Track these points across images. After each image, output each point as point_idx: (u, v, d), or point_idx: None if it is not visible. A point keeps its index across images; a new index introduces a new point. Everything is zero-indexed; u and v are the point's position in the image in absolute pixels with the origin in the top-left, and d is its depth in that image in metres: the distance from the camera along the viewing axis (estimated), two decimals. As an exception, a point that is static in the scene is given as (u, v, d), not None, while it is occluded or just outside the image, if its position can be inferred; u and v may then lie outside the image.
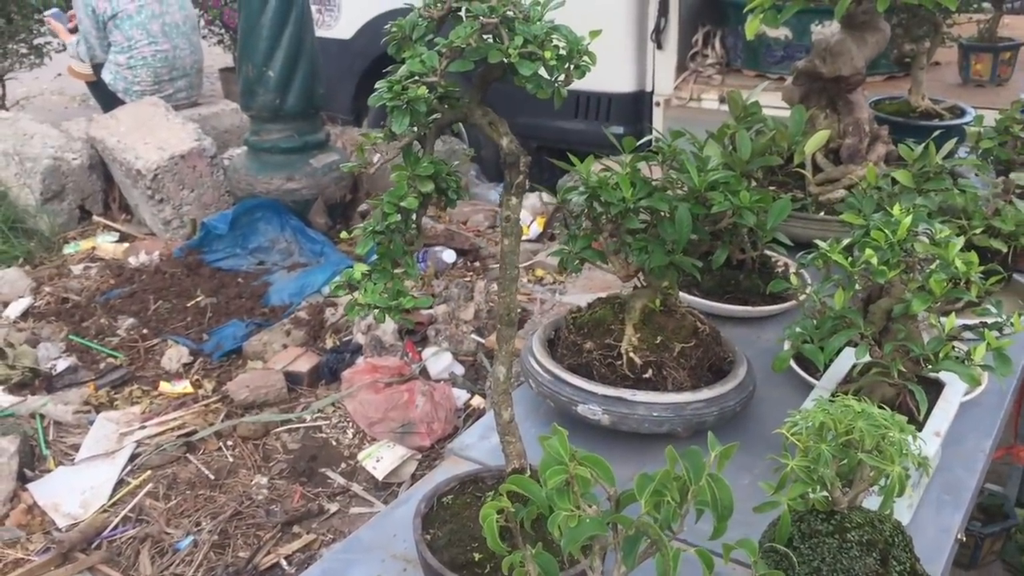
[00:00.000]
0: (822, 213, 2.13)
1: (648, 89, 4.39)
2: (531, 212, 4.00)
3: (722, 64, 4.34)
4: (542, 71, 1.02)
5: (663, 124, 4.38)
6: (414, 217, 1.11)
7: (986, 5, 3.90)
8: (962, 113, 2.52)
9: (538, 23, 1.00)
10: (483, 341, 3.16)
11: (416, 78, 1.00)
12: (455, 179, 1.13)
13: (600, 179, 1.45)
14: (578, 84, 1.09)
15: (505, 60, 0.99)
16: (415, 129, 1.06)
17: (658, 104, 4.37)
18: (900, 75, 3.89)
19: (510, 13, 0.99)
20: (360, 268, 1.12)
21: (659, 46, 4.27)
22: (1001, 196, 1.81)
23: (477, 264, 3.77)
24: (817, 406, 0.99)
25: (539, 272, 3.62)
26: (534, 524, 0.88)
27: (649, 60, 4.33)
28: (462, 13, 1.04)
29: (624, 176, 1.46)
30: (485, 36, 1.00)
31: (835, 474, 0.95)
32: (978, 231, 1.70)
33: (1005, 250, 1.70)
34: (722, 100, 4.20)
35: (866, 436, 0.92)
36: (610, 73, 4.33)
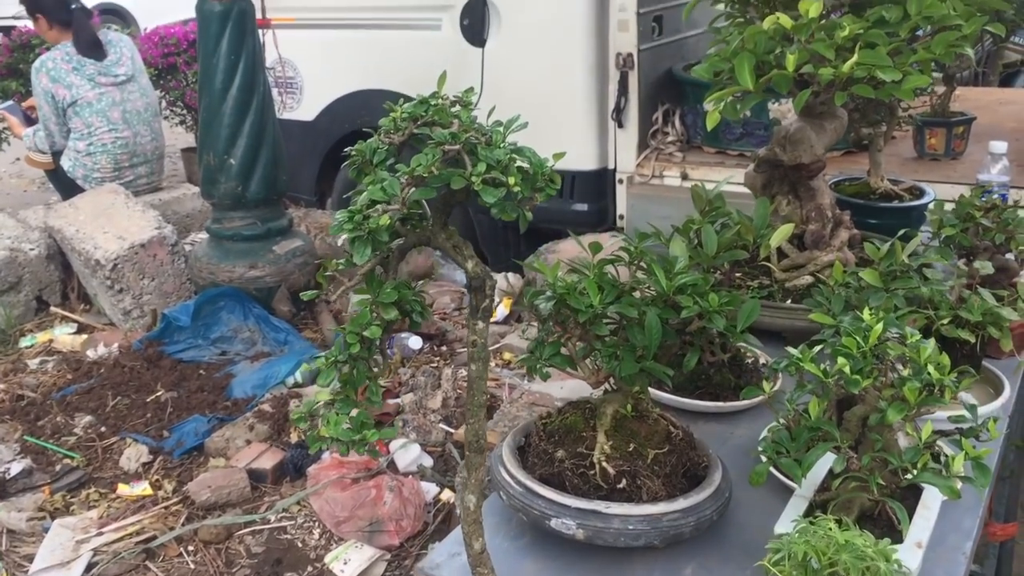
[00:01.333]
0: (789, 301, 2.13)
1: (611, 166, 4.43)
2: (498, 294, 3.98)
3: (682, 141, 4.39)
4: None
5: (626, 201, 4.41)
6: (377, 343, 1.07)
7: (936, 75, 3.99)
8: (921, 194, 2.56)
9: (500, 147, 0.99)
10: (452, 431, 3.10)
11: (377, 206, 0.98)
12: (419, 301, 1.11)
13: (567, 284, 1.44)
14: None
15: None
16: (377, 255, 1.03)
17: (621, 181, 4.41)
18: (857, 151, 3.95)
19: (472, 139, 0.97)
20: (322, 395, 1.09)
21: (620, 124, 4.32)
22: (966, 284, 1.82)
23: (444, 349, 3.72)
24: (799, 534, 0.96)
25: (507, 356, 3.58)
26: None
27: (611, 138, 4.38)
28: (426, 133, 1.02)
29: (591, 281, 1.44)
30: (447, 162, 0.99)
31: (821, 608, 0.91)
32: (945, 322, 1.70)
33: (973, 340, 1.70)
34: (684, 177, 4.24)
35: (851, 570, 0.89)
36: (573, 151, 4.37)
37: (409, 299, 1.08)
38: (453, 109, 1.02)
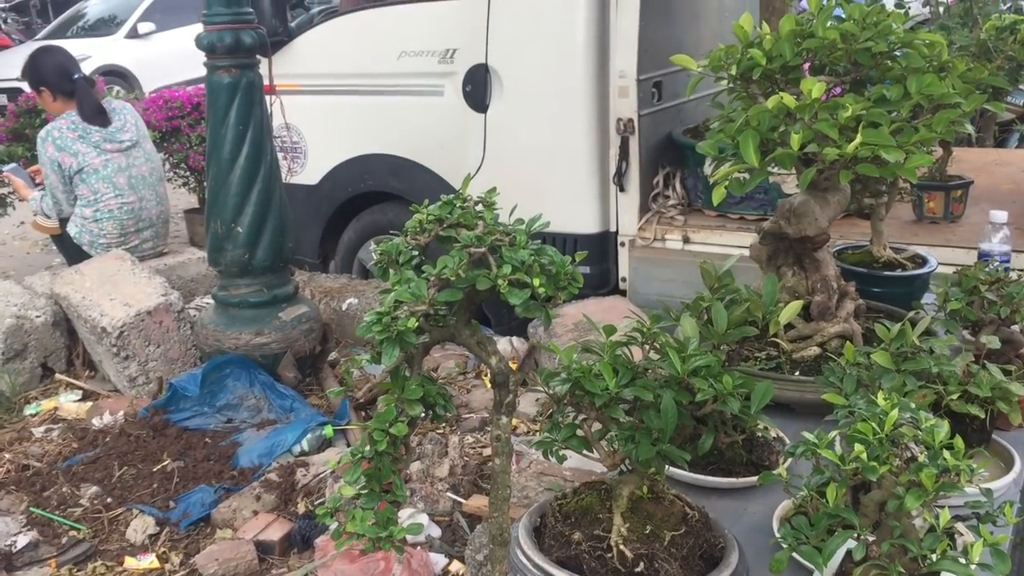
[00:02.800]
0: (797, 372, 2.15)
1: (612, 229, 4.47)
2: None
3: (684, 204, 4.44)
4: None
5: (628, 264, 4.45)
6: (402, 439, 1.09)
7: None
8: (924, 262, 2.59)
9: (524, 248, 1.01)
10: (460, 500, 3.09)
11: (404, 307, 1.00)
12: (443, 395, 1.12)
13: (582, 368, 1.45)
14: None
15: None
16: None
17: (623, 244, 4.45)
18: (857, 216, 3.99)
19: (497, 241, 1.00)
20: (347, 491, 1.10)
21: (621, 188, 4.38)
22: (972, 360, 1.84)
23: (449, 415, 3.72)
24: (824, 629, 0.96)
25: (514, 422, 3.58)
26: None
27: (612, 202, 4.43)
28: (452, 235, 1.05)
29: (606, 364, 1.46)
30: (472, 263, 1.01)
31: None
32: (955, 397, 1.72)
33: (983, 416, 1.72)
34: (685, 240, 4.28)
35: (879, 668, 0.89)
36: (575, 215, 4.42)
37: (433, 393, 1.09)
38: (477, 209, 1.05)
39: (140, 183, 4.87)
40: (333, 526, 2.82)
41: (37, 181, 5.10)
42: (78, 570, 2.98)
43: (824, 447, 1.25)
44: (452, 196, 1.06)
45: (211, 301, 4.25)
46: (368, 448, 1.06)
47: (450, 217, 1.02)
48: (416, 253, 1.05)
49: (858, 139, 1.77)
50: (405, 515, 2.99)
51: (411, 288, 0.99)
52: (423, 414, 1.08)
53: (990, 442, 1.84)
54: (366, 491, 1.08)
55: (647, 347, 1.61)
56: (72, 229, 4.84)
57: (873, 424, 1.23)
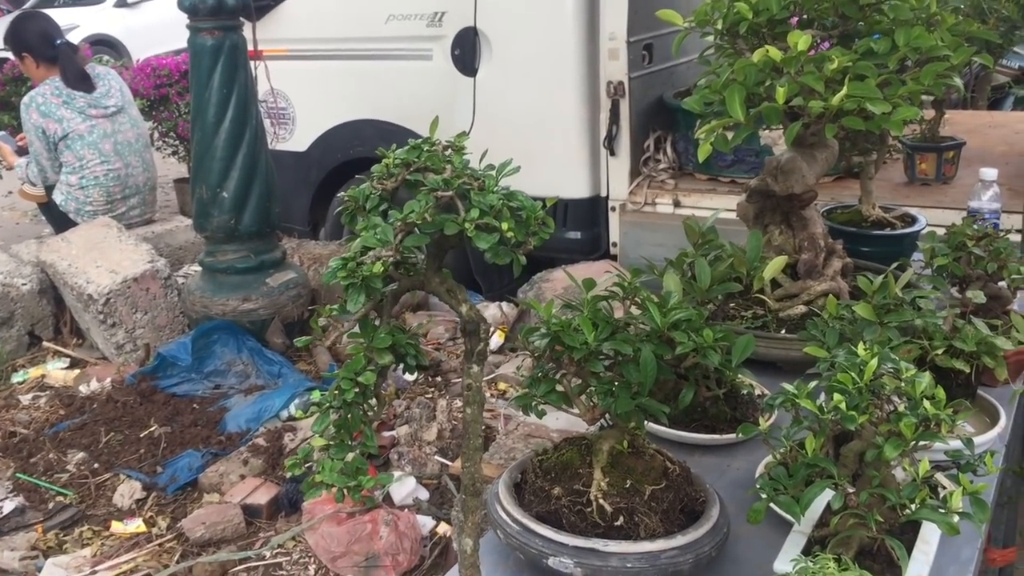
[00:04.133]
0: (783, 331, 2.13)
1: (603, 194, 4.45)
2: (492, 323, 3.98)
3: (674, 168, 4.41)
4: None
5: (619, 228, 4.42)
6: (372, 388, 1.07)
7: (926, 99, 4.02)
8: (913, 221, 2.57)
9: (493, 193, 0.99)
10: (448, 463, 3.09)
11: (371, 253, 0.98)
12: (413, 345, 1.10)
13: (562, 322, 1.43)
14: (535, 190, 1.08)
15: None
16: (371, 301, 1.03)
17: (614, 209, 4.42)
18: (847, 176, 3.97)
19: (465, 185, 0.98)
20: (317, 442, 1.08)
21: (612, 152, 4.34)
22: (958, 314, 1.83)
23: (439, 379, 3.71)
24: (799, 574, 0.95)
25: (502, 386, 3.58)
26: None
27: (603, 166, 4.40)
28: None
29: (586, 318, 1.44)
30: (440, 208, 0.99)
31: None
32: (940, 352, 1.70)
33: (968, 371, 1.70)
34: (676, 204, 4.26)
35: (852, 613, 0.88)
36: (565, 179, 4.39)
37: (404, 343, 1.07)
38: (446, 154, 1.02)
39: (126, 149, 4.82)
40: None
41: (21, 143, 5.05)
42: (65, 535, 2.98)
43: (804, 397, 1.23)
44: (420, 140, 1.03)
45: (198, 268, 4.23)
46: (337, 398, 1.04)
47: (417, 161, 1.00)
48: (383, 199, 1.02)
49: (843, 91, 1.74)
50: (393, 478, 2.99)
51: (377, 233, 0.96)
52: (393, 363, 1.06)
53: (976, 398, 1.83)
54: (336, 441, 1.06)
55: (628, 302, 1.60)
56: (58, 197, 4.80)
57: (853, 374, 1.22)
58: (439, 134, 1.09)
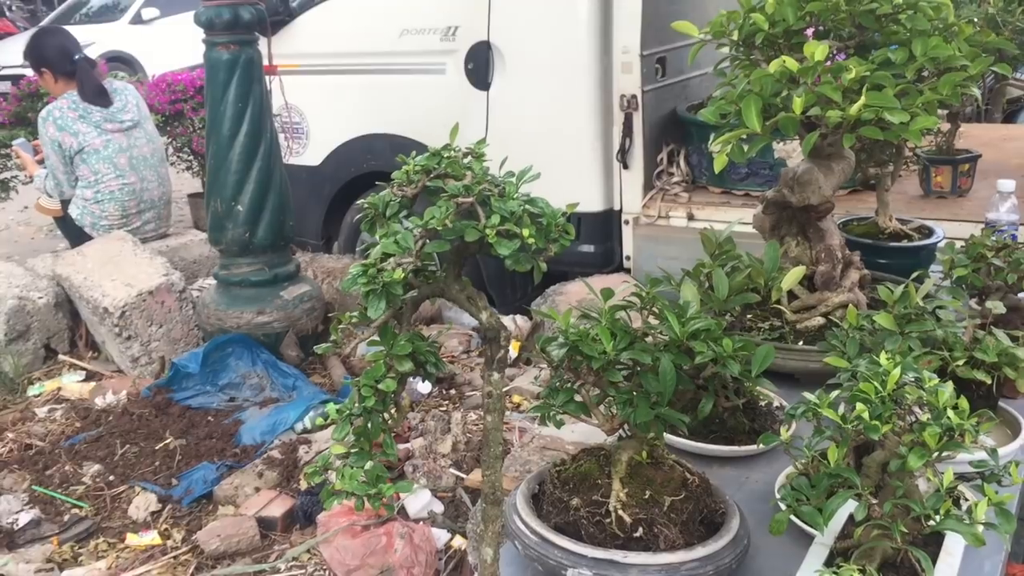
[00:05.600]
0: (801, 342, 2.12)
1: (616, 208, 4.44)
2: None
3: (688, 181, 4.40)
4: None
5: (632, 242, 4.42)
6: (392, 395, 1.07)
7: (941, 112, 4.00)
8: (930, 233, 2.55)
9: (514, 199, 0.99)
10: (463, 476, 3.08)
11: (391, 259, 0.98)
12: (433, 352, 1.10)
13: (580, 331, 1.43)
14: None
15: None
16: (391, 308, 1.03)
17: (627, 222, 4.42)
18: (863, 190, 3.96)
19: (486, 191, 0.97)
20: (336, 449, 1.08)
21: (625, 166, 4.34)
22: (978, 325, 1.81)
23: (453, 392, 3.71)
24: (823, 586, 0.94)
25: (516, 399, 3.57)
26: None
27: (616, 180, 4.40)
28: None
29: (604, 327, 1.44)
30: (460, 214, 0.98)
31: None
32: (961, 363, 1.69)
33: (989, 382, 1.69)
34: (690, 217, 4.25)
35: (879, 624, 0.87)
36: (578, 193, 4.38)
37: (423, 350, 1.07)
38: (465, 160, 1.02)
39: (141, 164, 4.85)
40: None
41: (38, 158, 5.08)
42: (80, 547, 2.98)
43: (825, 407, 1.22)
44: (440, 147, 1.03)
45: (213, 281, 4.24)
46: (357, 405, 1.03)
47: (437, 168, 0.99)
48: (403, 205, 1.02)
49: (861, 100, 1.73)
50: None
51: (398, 240, 0.96)
52: (413, 371, 1.05)
53: (996, 409, 1.81)
54: (355, 449, 1.06)
55: (646, 312, 1.59)
56: (74, 211, 4.82)
57: (875, 383, 1.20)
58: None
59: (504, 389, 3.34)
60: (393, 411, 1.06)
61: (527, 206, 0.99)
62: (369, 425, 1.05)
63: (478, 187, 0.96)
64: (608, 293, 1.51)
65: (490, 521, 1.09)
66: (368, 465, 1.05)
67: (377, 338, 1.04)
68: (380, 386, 1.01)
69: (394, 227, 0.99)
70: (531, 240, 0.95)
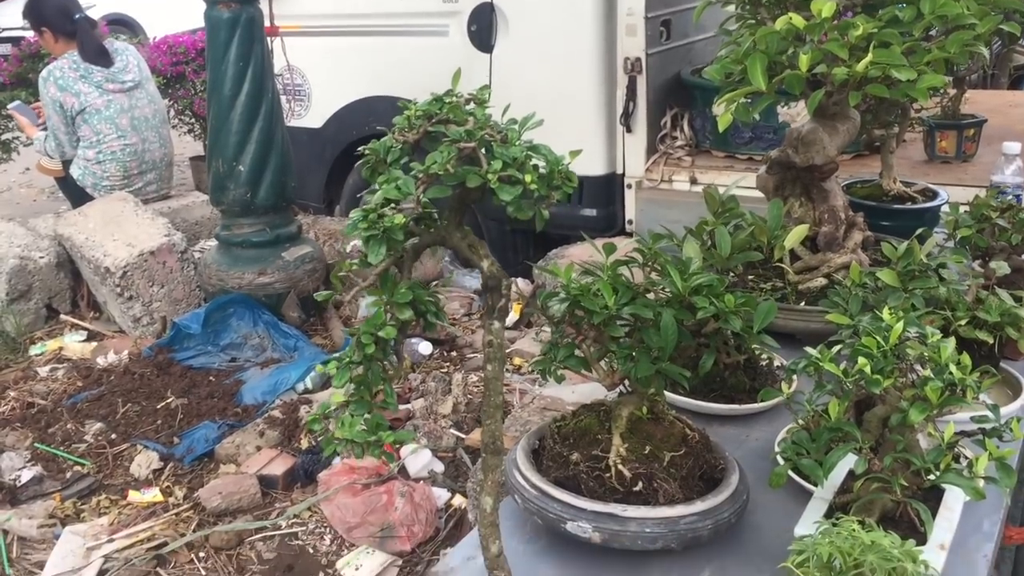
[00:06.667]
0: (803, 303, 2.11)
1: (619, 171, 4.42)
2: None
3: (691, 146, 4.38)
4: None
5: (635, 206, 4.40)
6: (392, 344, 1.06)
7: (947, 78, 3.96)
8: (934, 195, 2.54)
9: (516, 145, 0.98)
10: (463, 436, 3.09)
11: (392, 205, 0.97)
12: (434, 302, 1.09)
13: (581, 286, 1.42)
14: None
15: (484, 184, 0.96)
16: (391, 254, 1.02)
17: (629, 186, 4.40)
18: (867, 154, 3.94)
19: (488, 137, 0.96)
20: (336, 398, 1.07)
21: (628, 129, 4.31)
22: (982, 285, 1.80)
23: (454, 354, 3.71)
24: (823, 534, 0.94)
25: (517, 361, 3.57)
26: None
27: (619, 143, 4.37)
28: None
29: (605, 282, 1.43)
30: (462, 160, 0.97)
31: (846, 610, 0.90)
32: (963, 323, 1.68)
33: (991, 342, 1.68)
34: (693, 181, 4.23)
35: (878, 570, 0.87)
36: (582, 156, 4.34)
37: (424, 299, 1.07)
38: (468, 107, 1.01)
39: (143, 124, 4.82)
40: (336, 460, 2.82)
41: (40, 119, 5.05)
42: (82, 504, 3.00)
43: (827, 361, 1.22)
44: (442, 93, 1.02)
45: (214, 242, 4.23)
46: (357, 353, 1.03)
47: (439, 113, 0.98)
48: (404, 151, 1.01)
49: (868, 57, 1.71)
50: (408, 450, 2.99)
51: (399, 185, 0.95)
52: (413, 320, 1.05)
53: (998, 371, 1.80)
54: (355, 398, 1.05)
55: (648, 269, 1.58)
56: (75, 171, 4.81)
57: (878, 338, 1.20)
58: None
59: (504, 343, 3.33)
60: (394, 360, 1.06)
61: (530, 152, 0.97)
62: (369, 374, 1.05)
63: (480, 132, 0.95)
64: (610, 248, 1.51)
65: (490, 471, 1.09)
66: (368, 414, 1.05)
67: (378, 287, 1.03)
68: (380, 334, 1.01)
69: (395, 173, 0.98)
70: (534, 186, 0.94)
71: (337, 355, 1.07)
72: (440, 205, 1.05)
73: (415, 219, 1.03)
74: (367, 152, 1.02)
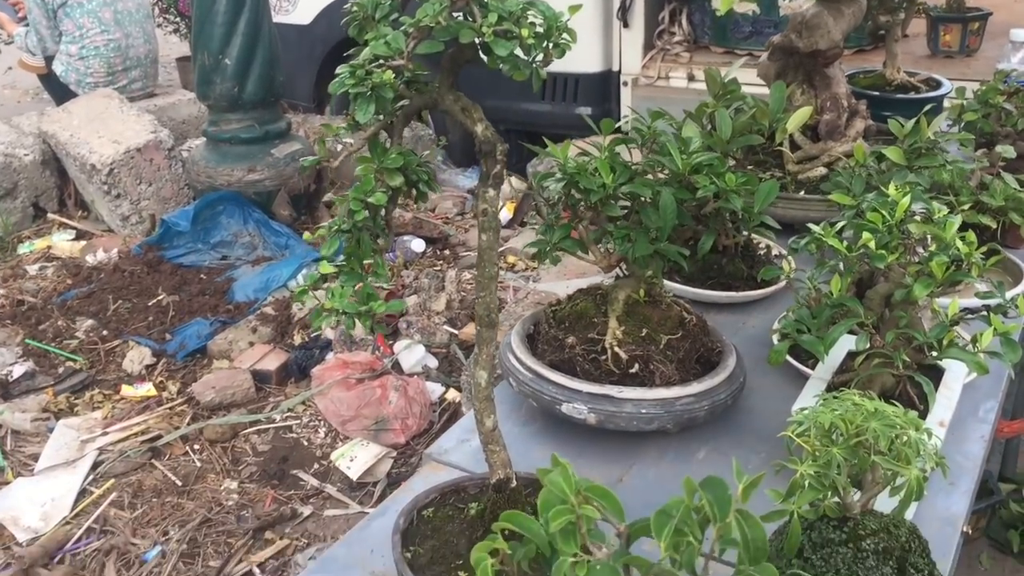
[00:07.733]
0: (802, 192, 2.07)
1: (615, 68, 4.33)
2: (501, 198, 3.92)
3: (689, 41, 4.27)
4: (518, 51, 0.94)
5: (631, 103, 4.32)
6: (383, 213, 1.02)
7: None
8: (938, 85, 2.48)
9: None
10: (456, 332, 3.08)
11: (381, 62, 0.92)
12: (426, 170, 1.05)
13: (578, 164, 1.38)
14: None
15: (478, 40, 0.91)
16: (381, 118, 0.97)
17: (626, 83, 4.31)
18: (869, 49, 3.85)
19: (482, -11, 0.91)
20: (326, 267, 1.04)
21: (625, 24, 4.20)
22: (987, 169, 1.76)
23: (447, 252, 3.68)
24: (824, 405, 0.92)
25: (511, 259, 3.54)
26: (532, 562, 0.78)
27: (616, 39, 4.27)
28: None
29: (603, 161, 1.39)
30: (455, 14, 0.92)
31: (847, 478, 0.88)
32: (966, 207, 1.65)
33: (995, 226, 1.65)
34: (690, 78, 4.14)
35: (880, 437, 0.85)
36: (577, 53, 4.23)
37: (415, 167, 1.02)
38: (461, -41, 0.95)
39: (126, 19, 4.68)
40: (329, 355, 2.81)
41: (20, 13, 4.90)
42: (76, 398, 3.00)
43: (831, 236, 1.18)
44: (434, -57, 0.96)
45: (202, 139, 4.15)
46: (347, 221, 0.99)
47: (431, -36, 0.92)
48: (394, 7, 0.95)
49: (879, -71, 1.63)
50: (402, 345, 2.99)
51: (388, 40, 0.90)
52: (403, 186, 1.01)
53: (1000, 256, 1.78)
54: (345, 269, 1.02)
55: (647, 150, 1.54)
56: (58, 68, 4.68)
57: (883, 212, 1.16)
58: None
59: (499, 249, 3.31)
60: (385, 229, 1.02)
61: (527, 6, 0.92)
62: (359, 243, 1.01)
63: (474, -16, 0.89)
64: (609, 125, 1.46)
65: (484, 344, 1.06)
66: (358, 285, 1.02)
67: (367, 153, 0.99)
68: (370, 200, 0.97)
69: (384, 30, 0.93)
70: (530, 40, 0.89)
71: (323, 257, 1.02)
72: (432, 67, 1.00)
73: (406, 82, 0.98)
74: (354, 7, 0.96)
